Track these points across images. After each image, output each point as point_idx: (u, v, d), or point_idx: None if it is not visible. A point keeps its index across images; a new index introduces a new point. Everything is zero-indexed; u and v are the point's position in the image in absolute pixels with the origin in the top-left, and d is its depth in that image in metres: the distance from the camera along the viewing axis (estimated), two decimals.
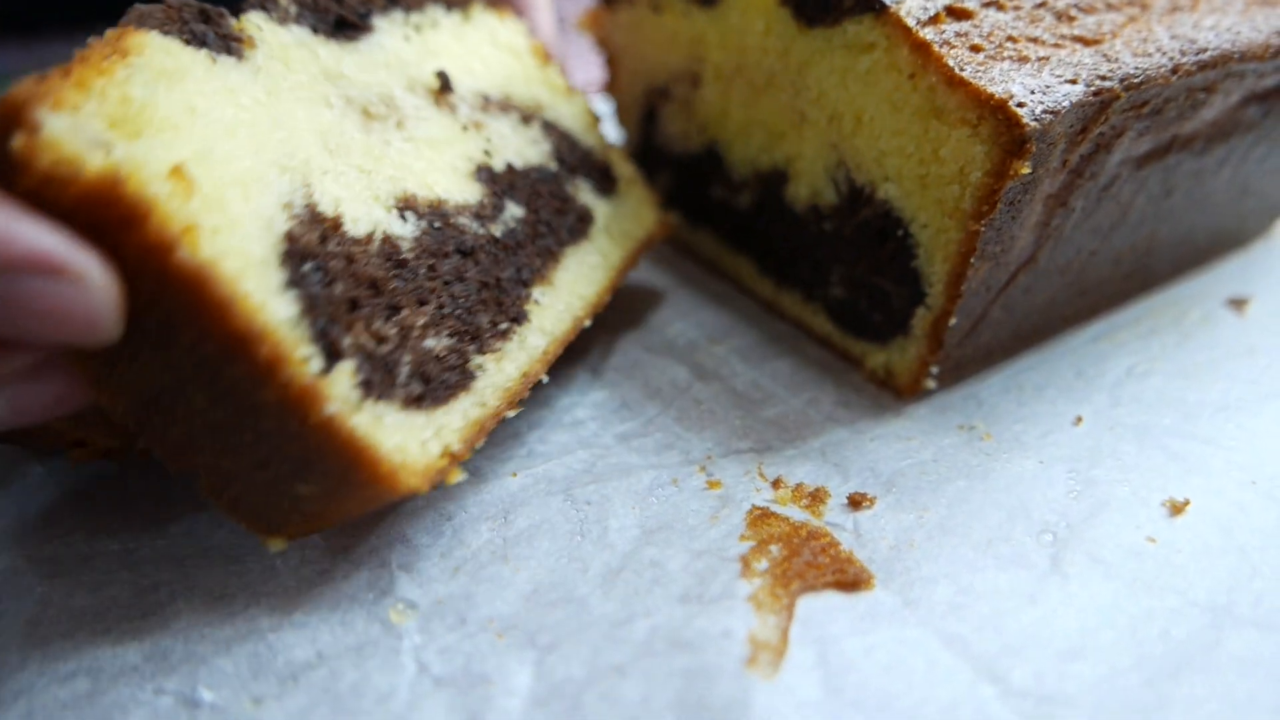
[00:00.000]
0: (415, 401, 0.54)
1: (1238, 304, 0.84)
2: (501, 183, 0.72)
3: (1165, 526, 0.57)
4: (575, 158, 0.81)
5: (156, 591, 0.56)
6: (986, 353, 0.78)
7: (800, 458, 0.67)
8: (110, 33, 0.51)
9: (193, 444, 0.50)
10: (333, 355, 0.50)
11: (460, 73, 0.75)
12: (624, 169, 0.85)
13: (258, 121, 0.55)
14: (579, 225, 0.76)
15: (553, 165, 0.78)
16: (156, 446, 0.51)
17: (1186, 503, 0.59)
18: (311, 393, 0.47)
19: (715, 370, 0.78)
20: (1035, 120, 0.60)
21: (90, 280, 0.41)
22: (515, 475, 0.64)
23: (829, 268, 0.80)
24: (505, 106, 0.77)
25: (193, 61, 0.54)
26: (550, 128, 0.80)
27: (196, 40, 0.56)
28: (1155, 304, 0.85)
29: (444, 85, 0.72)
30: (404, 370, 0.54)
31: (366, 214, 0.59)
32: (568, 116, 0.82)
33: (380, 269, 0.57)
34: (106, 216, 0.43)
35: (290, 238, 0.51)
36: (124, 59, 0.49)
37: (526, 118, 0.79)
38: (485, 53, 0.79)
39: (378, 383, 0.52)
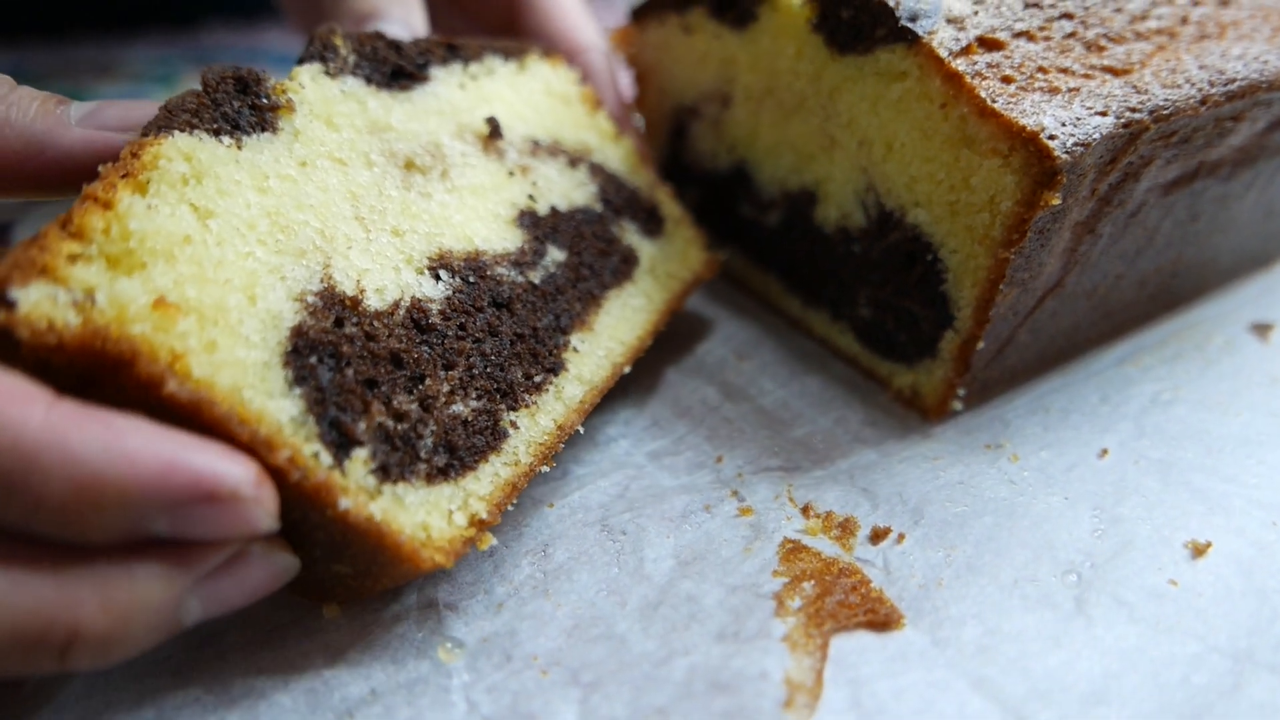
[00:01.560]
0: (440, 473, 0.55)
1: (1261, 330, 0.85)
2: (544, 227, 0.72)
3: (1187, 568, 0.59)
4: (621, 199, 0.81)
5: (212, 621, 0.58)
6: (1012, 375, 0.80)
7: (829, 480, 0.69)
8: (129, 146, 0.53)
9: None
10: (345, 444, 0.51)
11: (511, 118, 0.76)
12: (671, 209, 0.85)
13: (282, 208, 0.57)
14: (623, 267, 0.76)
15: (598, 206, 0.78)
16: None
17: (1209, 544, 0.60)
18: (325, 488, 0.49)
19: (744, 389, 0.80)
20: (1066, 153, 0.61)
21: (243, 494, 0.44)
22: (552, 506, 0.66)
23: (857, 289, 0.81)
24: (554, 150, 0.78)
25: (214, 159, 0.55)
26: (597, 170, 0.81)
27: (228, 124, 0.58)
28: (1179, 326, 0.85)
29: (494, 131, 0.73)
30: (427, 443, 0.55)
31: (394, 281, 0.60)
32: (616, 159, 0.83)
33: (403, 340, 0.58)
34: (100, 364, 0.45)
35: (299, 331, 0.53)
36: (133, 181, 0.51)
37: (574, 161, 0.79)
38: (537, 100, 0.80)
39: (396, 463, 0.53)
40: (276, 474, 0.47)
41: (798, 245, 0.86)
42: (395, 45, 0.71)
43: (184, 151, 0.54)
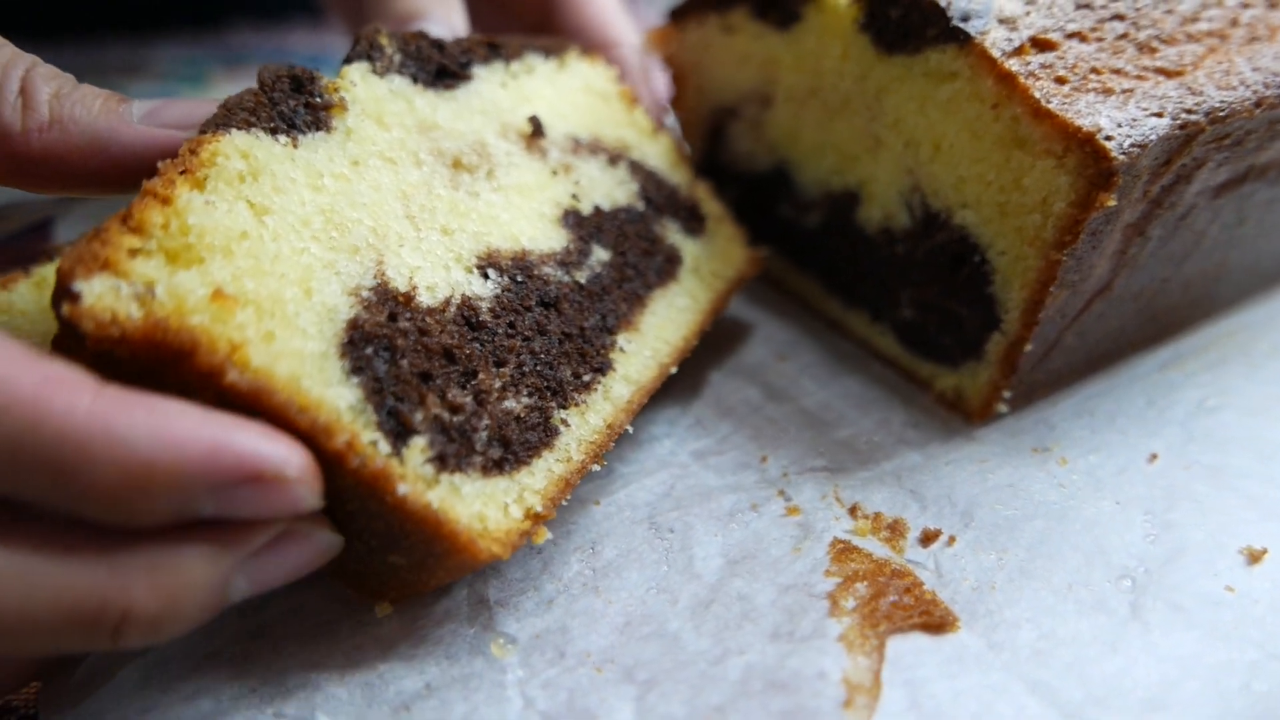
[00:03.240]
0: (495, 466, 0.55)
1: None
2: (588, 226, 0.73)
3: (1243, 575, 0.58)
4: (662, 197, 0.81)
5: (263, 613, 0.58)
6: (1056, 378, 0.79)
7: (875, 481, 0.69)
8: (187, 143, 0.53)
9: None
10: (403, 433, 0.51)
11: (552, 116, 0.76)
12: (712, 207, 0.85)
13: (335, 206, 0.58)
14: (667, 267, 0.76)
15: (640, 205, 0.78)
16: None
17: (1264, 551, 0.60)
18: (383, 475, 0.49)
19: (785, 390, 0.80)
20: (1123, 154, 0.60)
21: (288, 474, 0.44)
22: (598, 504, 0.66)
23: (899, 290, 0.81)
24: (594, 148, 0.78)
25: (270, 156, 0.56)
26: (637, 168, 0.81)
27: (284, 123, 0.58)
28: (1221, 331, 0.85)
29: (536, 130, 0.73)
30: (482, 436, 0.56)
31: (444, 279, 0.61)
32: (654, 156, 0.83)
33: (455, 336, 0.58)
34: (161, 356, 0.45)
35: (354, 324, 0.53)
36: (191, 178, 0.52)
37: (614, 158, 0.79)
38: (576, 98, 0.80)
39: (453, 454, 0.53)
40: (335, 460, 0.48)
41: (838, 246, 0.86)
42: (438, 44, 0.72)
43: (241, 149, 0.55)
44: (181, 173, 0.52)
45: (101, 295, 0.45)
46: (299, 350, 0.50)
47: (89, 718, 0.52)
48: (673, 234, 0.80)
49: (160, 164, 0.52)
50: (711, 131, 0.97)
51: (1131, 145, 0.61)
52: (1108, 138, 0.60)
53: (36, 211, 1.20)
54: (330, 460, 0.48)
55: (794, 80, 0.84)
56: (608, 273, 0.71)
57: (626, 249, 0.74)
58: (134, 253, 0.48)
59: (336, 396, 0.49)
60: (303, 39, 2.13)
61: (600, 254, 0.72)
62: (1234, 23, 0.73)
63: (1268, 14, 0.75)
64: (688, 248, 0.80)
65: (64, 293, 0.45)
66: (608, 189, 0.77)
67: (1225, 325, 0.86)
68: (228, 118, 0.56)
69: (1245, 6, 0.74)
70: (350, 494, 0.50)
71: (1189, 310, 0.85)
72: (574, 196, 0.73)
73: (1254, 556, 0.60)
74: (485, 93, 0.73)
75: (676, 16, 0.95)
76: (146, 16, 1.87)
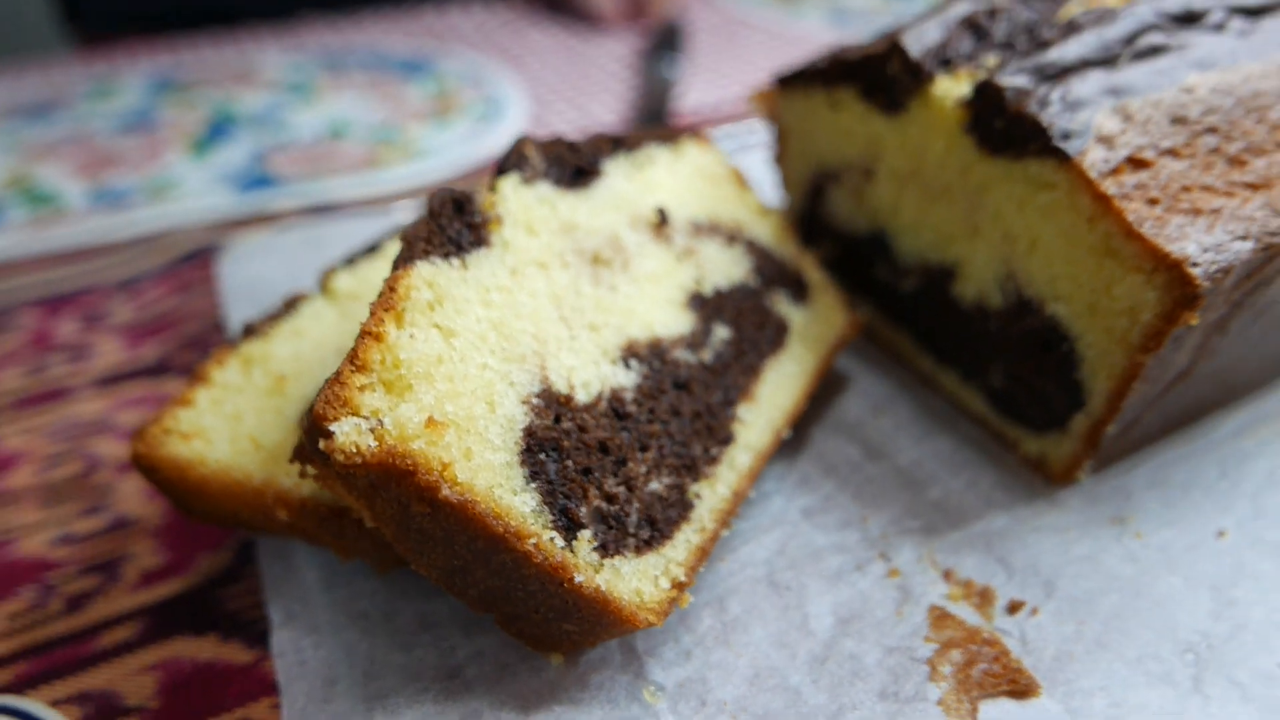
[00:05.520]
0: (645, 545, 0.64)
1: None
2: (710, 307, 0.80)
3: None
4: (773, 270, 0.89)
5: (454, 655, 0.70)
6: (1134, 445, 0.86)
7: (966, 545, 0.78)
8: (387, 280, 0.62)
9: (483, 599, 0.64)
10: (573, 527, 0.61)
11: (674, 203, 0.84)
12: (815, 275, 0.93)
13: (504, 319, 0.65)
14: (777, 336, 0.84)
15: (754, 281, 0.86)
16: (460, 598, 0.64)
17: None
18: (561, 566, 0.58)
19: (882, 447, 0.89)
20: (1209, 279, 0.66)
21: None
22: (724, 561, 0.77)
23: (990, 359, 0.88)
24: (713, 229, 0.86)
25: (448, 281, 0.64)
26: (751, 245, 0.88)
27: (454, 246, 0.66)
28: None
29: (662, 220, 0.81)
30: (633, 519, 0.64)
31: (595, 374, 0.69)
32: (764, 234, 0.91)
33: (607, 429, 0.66)
34: (389, 475, 0.55)
35: (529, 432, 0.62)
36: (394, 313, 0.60)
37: (731, 238, 0.87)
38: (693, 182, 0.88)
39: (612, 540, 0.62)
40: (525, 556, 0.58)
41: (933, 311, 0.93)
42: (573, 147, 0.80)
43: (427, 279, 0.63)
44: (386, 310, 0.60)
45: (348, 433, 0.55)
46: (491, 463, 0.59)
47: None
48: (781, 304, 0.88)
49: (370, 304, 0.61)
50: (812, 189, 1.05)
51: (1216, 270, 0.67)
52: (1194, 264, 0.67)
53: (195, 239, 1.34)
54: (517, 557, 0.58)
55: (897, 161, 0.91)
56: (728, 349, 0.79)
57: (743, 324, 0.82)
58: (362, 389, 0.57)
59: (521, 504, 0.59)
60: (399, 41, 2.24)
61: (721, 332, 0.80)
62: None
63: None
64: (794, 316, 0.88)
65: (319, 432, 0.55)
66: (725, 268, 0.84)
67: None
68: (410, 250, 0.64)
69: None
70: (531, 580, 0.60)
71: (1265, 375, 0.91)
72: (697, 280, 0.81)
73: None
74: (615, 187, 0.81)
75: (784, 84, 1.02)
76: (245, 11, 1.98)
